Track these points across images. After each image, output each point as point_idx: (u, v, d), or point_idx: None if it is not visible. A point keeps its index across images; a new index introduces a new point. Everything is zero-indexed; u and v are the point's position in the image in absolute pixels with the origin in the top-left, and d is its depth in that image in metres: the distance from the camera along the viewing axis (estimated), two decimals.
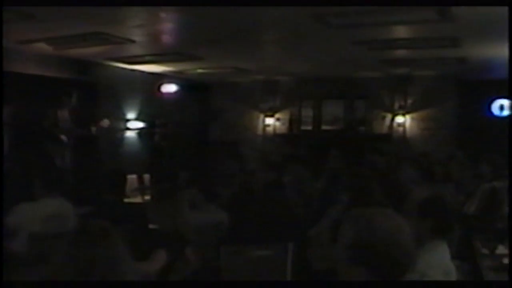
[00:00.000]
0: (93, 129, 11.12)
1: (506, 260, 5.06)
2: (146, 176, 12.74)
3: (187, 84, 15.34)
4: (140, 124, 14.11)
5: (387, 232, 2.24)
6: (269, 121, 16.47)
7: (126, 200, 6.79)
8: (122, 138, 13.80)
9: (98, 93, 12.86)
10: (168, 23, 9.34)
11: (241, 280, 4.66)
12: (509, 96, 13.00)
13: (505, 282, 3.31)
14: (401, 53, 11.39)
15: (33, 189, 5.86)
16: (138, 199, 10.42)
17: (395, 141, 14.79)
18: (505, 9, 6.50)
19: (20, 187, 9.24)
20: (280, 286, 3.32)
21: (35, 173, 6.01)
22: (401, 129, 14.95)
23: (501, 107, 13.94)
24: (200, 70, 14.21)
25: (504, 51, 8.91)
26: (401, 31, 9.40)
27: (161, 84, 14.79)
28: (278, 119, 16.45)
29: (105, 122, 11.39)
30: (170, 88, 14.91)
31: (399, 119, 14.96)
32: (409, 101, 14.83)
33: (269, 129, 16.54)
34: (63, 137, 10.40)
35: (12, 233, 5.46)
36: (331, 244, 5.17)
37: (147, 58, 12.30)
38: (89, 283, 2.88)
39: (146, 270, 3.99)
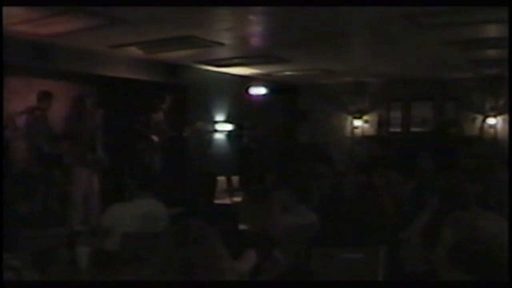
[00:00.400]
0: (183, 131, 11.27)
1: None
2: (235, 178, 12.87)
3: (275, 86, 15.37)
4: (229, 126, 14.22)
5: (490, 235, 2.19)
6: (357, 123, 16.35)
7: (216, 201, 6.85)
8: (211, 140, 13.93)
9: (187, 95, 13.02)
10: (256, 26, 9.38)
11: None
12: (509, 96, 12.54)
13: (505, 282, 3.21)
14: (492, 53, 11.10)
15: (127, 189, 5.97)
16: (226, 201, 10.52)
17: (486, 143, 14.42)
18: None
19: (115, 188, 9.52)
20: (280, 286, 3.30)
21: (129, 174, 6.12)
22: (492, 130, 14.57)
23: None
24: (288, 72, 14.21)
25: None
26: (491, 30, 9.17)
27: (249, 86, 14.87)
28: (366, 121, 16.31)
29: (196, 125, 11.53)
30: (258, 90, 14.98)
31: (490, 120, 14.57)
32: (501, 102, 14.41)
33: (357, 131, 16.41)
34: (155, 139, 10.58)
35: (106, 232, 5.59)
36: (424, 246, 5.10)
37: (235, 60, 12.38)
38: (90, 283, 2.93)
39: (239, 269, 4.01)
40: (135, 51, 10.96)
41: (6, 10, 7.85)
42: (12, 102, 8.42)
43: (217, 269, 2.30)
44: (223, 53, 11.40)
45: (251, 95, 14.94)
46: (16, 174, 9.52)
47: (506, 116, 14.32)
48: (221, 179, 10.06)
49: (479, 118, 14.72)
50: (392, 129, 15.90)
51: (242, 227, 5.80)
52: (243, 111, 14.62)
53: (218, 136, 14.14)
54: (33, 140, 9.39)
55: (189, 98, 13.06)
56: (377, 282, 2.28)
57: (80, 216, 8.95)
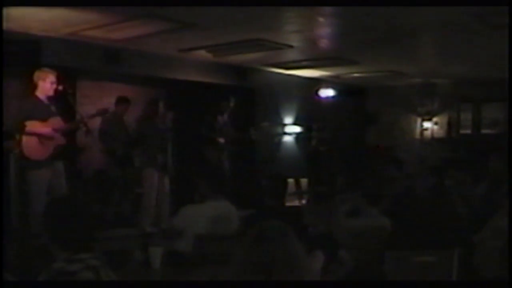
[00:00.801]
0: (252, 133, 11.31)
1: None
2: (303, 180, 12.86)
3: (343, 88, 15.31)
4: (297, 129, 14.22)
5: None
6: (427, 124, 16.13)
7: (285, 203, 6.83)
8: (279, 142, 13.95)
9: (256, 98, 13.08)
10: (325, 28, 9.36)
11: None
12: (510, 96, 12.09)
13: (505, 282, 3.10)
14: None
15: (198, 191, 6.02)
16: (295, 203, 10.52)
17: None
18: None
19: (185, 190, 9.61)
20: (281, 286, 3.28)
21: (199, 176, 6.17)
22: None
23: None
24: (356, 74, 14.14)
25: None
26: None
27: (318, 88, 14.84)
28: (436, 123, 16.07)
29: (264, 126, 11.55)
30: (326, 92, 14.94)
31: None
32: None
33: (427, 133, 16.19)
34: (222, 141, 10.64)
35: (179, 234, 5.64)
36: (497, 249, 5.00)
37: (304, 63, 12.37)
38: (90, 283, 2.94)
39: (314, 269, 4.01)
40: (204, 54, 11.06)
41: (81, 15, 8.05)
42: (84, 106, 8.60)
43: (297, 268, 2.30)
44: (291, 55, 11.40)
45: (319, 97, 14.91)
46: (90, 177, 9.72)
47: None
48: (290, 181, 10.06)
49: None
50: (462, 131, 15.64)
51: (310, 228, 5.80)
52: (311, 113, 14.59)
53: (287, 138, 14.14)
54: (107, 143, 9.56)
55: (258, 101, 13.11)
56: (379, 283, 2.24)
57: (152, 218, 9.07)
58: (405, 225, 6.01)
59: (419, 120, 16.26)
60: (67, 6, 7.54)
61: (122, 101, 9.84)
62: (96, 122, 8.81)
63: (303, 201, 11.21)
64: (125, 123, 9.86)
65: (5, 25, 8.36)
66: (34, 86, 7.63)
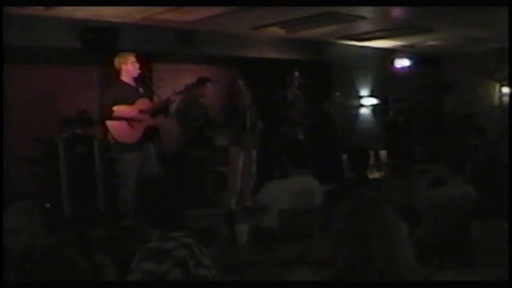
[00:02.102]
0: (326, 106, 11.27)
1: None
2: (382, 152, 12.77)
3: (418, 57, 15.08)
4: (374, 101, 14.09)
5: None
6: (505, 90, 15.74)
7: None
8: (356, 115, 13.87)
9: (331, 72, 13.00)
10: None
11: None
12: (510, 96, 11.50)
13: (505, 282, 2.99)
14: None
15: (281, 167, 6.06)
16: (375, 175, 10.45)
17: None
18: None
19: (268, 167, 9.69)
20: (281, 286, 3.21)
21: (281, 152, 6.21)
22: None
23: None
24: (431, 43, 13.89)
25: None
26: None
27: (393, 59, 14.66)
28: None
29: (337, 97, 11.49)
30: (401, 62, 14.74)
31: None
32: None
33: (506, 99, 15.79)
34: (299, 117, 10.63)
35: (264, 210, 5.71)
36: None
37: (377, 34, 12.23)
38: (90, 283, 2.95)
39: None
40: (277, 31, 11.05)
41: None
42: (160, 89, 8.72)
43: (395, 240, 2.30)
44: (365, 27, 11.29)
45: (395, 68, 14.74)
46: (173, 158, 9.86)
47: None
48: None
49: None
50: None
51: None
52: (387, 84, 14.43)
53: (364, 111, 14.04)
54: (185, 124, 9.67)
55: (333, 75, 13.04)
56: (378, 282, 2.19)
57: (236, 196, 9.17)
58: (490, 193, 5.93)
59: (497, 86, 15.87)
60: (67, 6, 7.59)
61: (202, 81, 9.91)
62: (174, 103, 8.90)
63: (383, 173, 11.13)
64: (202, 103, 9.95)
65: (80, 14, 8.57)
66: (118, 72, 7.79)
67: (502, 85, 15.63)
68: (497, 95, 15.85)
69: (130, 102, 7.68)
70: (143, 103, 7.83)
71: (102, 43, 8.73)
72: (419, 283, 2.42)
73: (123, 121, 7.57)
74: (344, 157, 8.12)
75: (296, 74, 10.62)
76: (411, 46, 14.28)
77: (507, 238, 5.10)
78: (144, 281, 3.02)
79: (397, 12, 10.30)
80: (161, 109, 8.07)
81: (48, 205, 7.78)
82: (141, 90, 7.91)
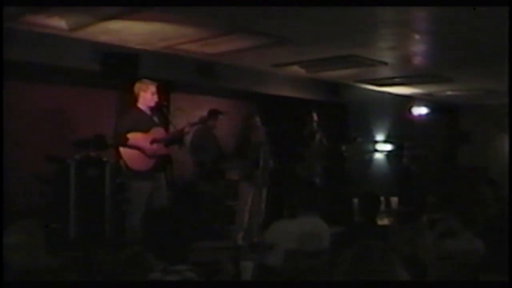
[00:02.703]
0: (343, 148, 11.25)
1: None
2: (394, 199, 12.71)
3: (436, 106, 15.08)
4: (389, 146, 14.07)
5: None
6: None
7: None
8: (370, 160, 13.84)
9: (347, 114, 13.01)
10: (420, 45, 9.27)
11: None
12: (509, 94, 11.41)
13: (505, 282, 2.94)
14: None
15: (290, 207, 6.03)
16: (385, 222, 10.38)
17: None
18: None
19: (278, 205, 9.64)
20: (282, 286, 3.16)
21: (292, 192, 6.18)
22: None
23: None
24: (449, 92, 13.92)
25: None
26: None
27: (411, 106, 14.68)
28: None
29: (356, 140, 11.45)
30: (419, 110, 14.76)
31: None
32: None
33: None
34: (314, 157, 10.61)
35: (270, 248, 5.66)
36: None
37: (397, 80, 12.27)
38: (89, 283, 2.91)
39: None
40: (297, 70, 11.09)
41: (177, 29, 8.20)
42: (178, 119, 8.74)
43: None
44: (385, 72, 11.32)
45: (412, 115, 14.74)
46: (183, 189, 9.84)
47: None
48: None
49: None
50: None
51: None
52: (403, 131, 14.43)
53: (378, 156, 14.01)
54: (198, 156, 9.67)
55: (349, 117, 13.04)
56: (378, 282, 2.15)
57: (243, 231, 9.13)
58: (499, 249, 5.85)
59: None
60: (66, 5, 7.53)
61: (213, 113, 9.93)
62: (188, 134, 8.91)
63: (392, 221, 11.06)
64: (216, 136, 9.95)
65: (103, 38, 8.64)
66: (136, 98, 7.80)
67: None
68: None
69: (145, 130, 7.67)
70: (157, 132, 7.82)
71: (123, 68, 8.76)
72: (419, 283, 2.39)
73: (136, 148, 7.56)
74: (355, 201, 8.08)
75: (313, 114, 10.61)
76: (429, 95, 14.32)
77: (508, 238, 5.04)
78: (144, 281, 2.99)
79: (417, 59, 10.33)
80: (175, 139, 8.06)
81: (54, 225, 7.77)
82: (156, 118, 7.91)
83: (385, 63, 10.31)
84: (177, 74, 10.10)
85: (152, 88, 7.80)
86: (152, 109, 7.85)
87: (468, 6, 6.70)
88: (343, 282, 2.32)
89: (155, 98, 7.80)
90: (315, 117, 10.63)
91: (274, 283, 4.18)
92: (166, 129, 8.30)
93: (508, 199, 6.23)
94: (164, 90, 8.59)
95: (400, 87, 13.34)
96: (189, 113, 10.66)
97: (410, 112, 14.74)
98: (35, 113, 9.50)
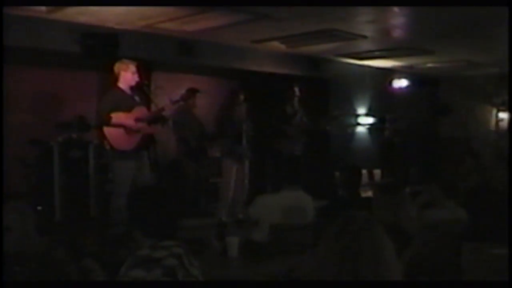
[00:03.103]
0: (324, 123, 11.28)
1: None
2: (376, 172, 12.79)
3: (417, 78, 15.12)
4: (370, 120, 14.13)
5: None
6: (503, 115, 15.77)
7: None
8: (353, 133, 13.89)
9: (329, 89, 13.04)
10: (399, 18, 9.27)
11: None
12: (509, 96, 11.58)
13: (505, 282, 3.02)
14: None
15: (273, 181, 6.07)
16: (368, 194, 10.45)
17: None
18: None
19: (261, 181, 9.69)
20: (282, 286, 3.22)
21: (275, 167, 6.22)
22: None
23: None
24: (430, 64, 13.94)
25: None
26: None
27: (391, 79, 14.72)
28: None
29: (335, 115, 11.47)
30: (400, 83, 14.81)
31: None
32: None
33: (503, 124, 15.82)
34: (295, 132, 10.64)
35: (255, 223, 5.71)
36: None
37: (377, 53, 12.26)
38: (89, 283, 2.96)
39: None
40: (277, 45, 11.09)
41: (155, 8, 8.18)
42: (159, 97, 8.74)
43: (383, 261, 2.30)
44: (365, 45, 11.33)
45: (393, 88, 14.79)
46: (166, 167, 9.86)
47: None
48: (363, 172, 10.02)
49: None
50: None
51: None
52: (385, 104, 14.48)
53: (360, 129, 14.07)
54: (179, 134, 9.68)
55: (331, 92, 13.08)
56: (379, 283, 2.20)
57: (228, 208, 9.18)
58: (482, 217, 5.93)
59: (494, 111, 15.91)
60: (66, 5, 7.57)
61: (192, 91, 9.92)
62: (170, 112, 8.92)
63: (375, 193, 11.14)
64: (196, 113, 9.95)
65: (82, 19, 8.60)
66: (116, 78, 7.79)
67: (499, 110, 15.67)
68: (494, 120, 15.89)
69: (127, 109, 7.68)
70: (140, 111, 7.83)
71: (102, 49, 8.74)
72: (420, 283, 2.44)
73: (120, 128, 7.56)
74: (337, 174, 8.14)
75: (295, 89, 10.62)
76: (410, 67, 14.34)
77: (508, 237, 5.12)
78: (144, 281, 3.03)
79: (397, 32, 10.33)
80: (157, 118, 8.07)
81: (39, 207, 7.80)
82: (137, 98, 7.91)
83: (365, 37, 10.31)
84: (157, 53, 10.09)
85: (132, 67, 7.79)
86: (133, 88, 7.86)
87: (468, 6, 6.74)
88: (344, 282, 2.35)
89: (136, 77, 7.80)
90: (296, 92, 10.62)
91: (274, 283, 4.22)
92: (148, 108, 8.31)
93: (508, 199, 6.29)
94: (144, 69, 8.58)
95: (381, 61, 13.35)
96: (171, 92, 10.65)
97: (391, 85, 14.77)
98: (16, 96, 9.46)
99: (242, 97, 9.36)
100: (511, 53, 7.91)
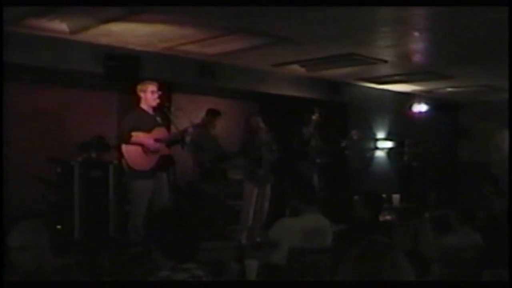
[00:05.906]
0: (343, 148, 11.25)
1: None
2: (395, 196, 12.74)
3: (436, 103, 15.10)
4: (390, 144, 14.10)
5: None
6: None
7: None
8: (372, 157, 13.87)
9: (348, 112, 13.04)
10: (419, 43, 9.30)
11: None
12: (509, 99, 11.45)
13: (505, 282, 2.97)
14: None
15: (293, 205, 6.06)
16: (387, 218, 10.42)
17: None
18: None
19: (280, 204, 9.65)
20: (281, 286, 3.19)
21: (294, 190, 6.21)
22: None
23: None
24: (450, 89, 13.93)
25: None
26: None
27: (411, 103, 14.71)
28: None
29: (354, 134, 11.44)
30: (419, 107, 14.78)
31: None
32: None
33: None
34: (315, 155, 10.64)
35: (274, 246, 5.70)
36: None
37: (397, 77, 12.28)
38: (89, 283, 2.95)
39: None
40: (297, 69, 11.12)
41: (177, 30, 8.25)
42: (179, 119, 8.78)
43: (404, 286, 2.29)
44: (385, 70, 11.35)
45: (412, 113, 14.77)
46: (185, 189, 9.87)
47: None
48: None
49: None
50: None
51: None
52: (404, 128, 14.45)
53: (379, 153, 14.04)
54: (199, 155, 9.69)
55: (350, 115, 13.07)
56: (379, 283, 2.18)
57: (247, 231, 9.16)
58: (499, 244, 5.90)
59: None
60: (65, 5, 7.54)
61: (211, 113, 9.94)
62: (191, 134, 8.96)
63: (394, 217, 11.09)
64: (215, 135, 9.97)
65: (105, 40, 8.68)
66: (138, 99, 7.85)
67: None
68: None
69: (147, 130, 7.72)
70: (160, 132, 7.87)
71: (124, 70, 8.82)
72: (419, 283, 2.42)
73: (138, 148, 7.59)
74: (356, 198, 8.12)
75: (314, 113, 10.63)
76: (430, 92, 14.33)
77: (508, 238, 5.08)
78: (144, 281, 3.03)
79: (417, 57, 10.35)
80: (177, 139, 8.11)
81: (59, 227, 7.84)
82: (158, 119, 7.96)
83: (385, 61, 10.34)
84: (178, 75, 10.14)
85: (152, 88, 7.85)
86: (154, 109, 7.91)
87: (468, 6, 6.75)
88: (344, 282, 2.35)
89: (156, 97, 7.85)
90: (316, 115, 10.65)
91: (277, 283, 4.21)
92: (168, 129, 8.35)
93: (508, 201, 6.26)
94: (165, 91, 8.64)
95: (400, 85, 13.36)
96: (191, 113, 10.71)
97: (410, 109, 14.76)
98: (38, 115, 9.56)
99: (260, 119, 9.37)
100: (511, 54, 7.87)
